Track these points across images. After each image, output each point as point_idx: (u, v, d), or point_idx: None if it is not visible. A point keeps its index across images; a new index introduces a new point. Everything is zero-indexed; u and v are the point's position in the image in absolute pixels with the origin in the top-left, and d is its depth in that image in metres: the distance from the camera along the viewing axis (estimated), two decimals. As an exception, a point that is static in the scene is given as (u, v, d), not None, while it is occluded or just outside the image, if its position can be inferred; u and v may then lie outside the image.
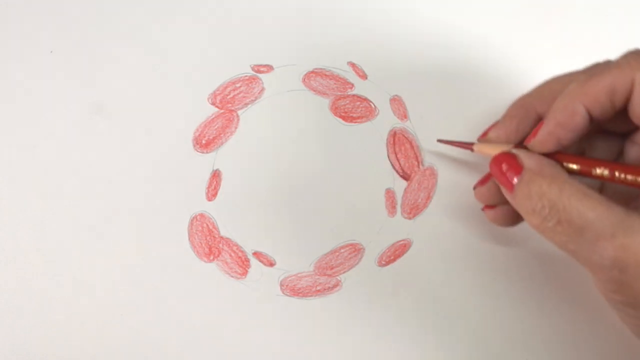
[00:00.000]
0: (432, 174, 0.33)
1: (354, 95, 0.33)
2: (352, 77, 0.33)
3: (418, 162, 0.33)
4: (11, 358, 0.30)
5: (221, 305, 0.31)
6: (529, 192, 0.24)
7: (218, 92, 0.33)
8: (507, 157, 0.26)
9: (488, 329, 0.31)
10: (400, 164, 0.33)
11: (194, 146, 0.32)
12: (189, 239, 0.31)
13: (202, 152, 0.32)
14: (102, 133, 0.32)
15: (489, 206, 0.29)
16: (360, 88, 0.33)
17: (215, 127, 0.32)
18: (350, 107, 0.33)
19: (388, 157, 0.33)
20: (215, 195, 0.32)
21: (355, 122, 0.33)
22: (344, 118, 0.33)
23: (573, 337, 0.31)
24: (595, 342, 0.31)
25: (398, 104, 0.33)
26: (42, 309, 0.30)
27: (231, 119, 0.32)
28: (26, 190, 0.31)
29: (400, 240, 0.32)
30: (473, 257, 0.32)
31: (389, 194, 0.32)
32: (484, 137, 0.30)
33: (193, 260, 0.31)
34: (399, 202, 0.32)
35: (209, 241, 0.31)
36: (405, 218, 0.32)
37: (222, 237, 0.31)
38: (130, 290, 0.30)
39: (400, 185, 0.32)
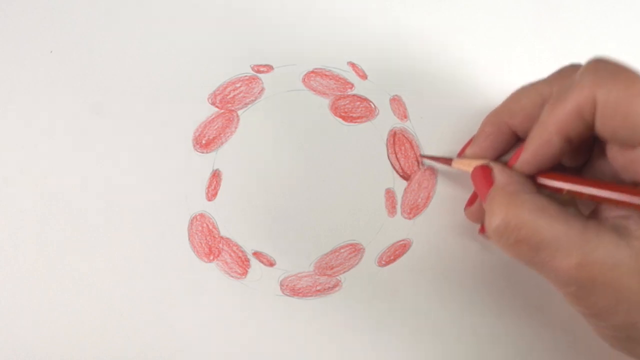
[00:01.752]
0: (432, 174, 0.33)
1: (354, 95, 0.33)
2: (352, 77, 0.33)
3: (418, 162, 0.33)
4: (11, 358, 0.30)
5: (221, 305, 0.31)
6: (491, 207, 0.24)
7: (218, 92, 0.33)
8: (482, 171, 0.26)
9: (488, 328, 0.31)
10: (400, 164, 0.33)
11: (194, 146, 0.32)
12: (189, 239, 0.31)
13: (202, 152, 0.32)
14: (102, 133, 0.32)
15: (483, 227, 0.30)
16: (360, 88, 0.33)
17: (215, 127, 0.32)
18: (350, 107, 0.33)
19: (388, 157, 0.33)
20: (215, 195, 0.32)
21: (355, 122, 0.33)
22: (344, 118, 0.33)
23: (573, 337, 0.31)
24: (595, 343, 0.31)
25: (398, 104, 0.33)
26: (42, 309, 0.30)
27: (231, 119, 0.32)
28: (26, 190, 0.31)
29: (400, 240, 0.32)
30: (473, 257, 0.32)
31: (389, 194, 0.32)
32: (461, 155, 0.30)
33: (193, 260, 0.31)
34: (399, 202, 0.32)
35: (209, 241, 0.31)
36: (405, 218, 0.32)
37: (222, 237, 0.31)
38: (130, 290, 0.30)
39: (400, 185, 0.32)
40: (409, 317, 0.31)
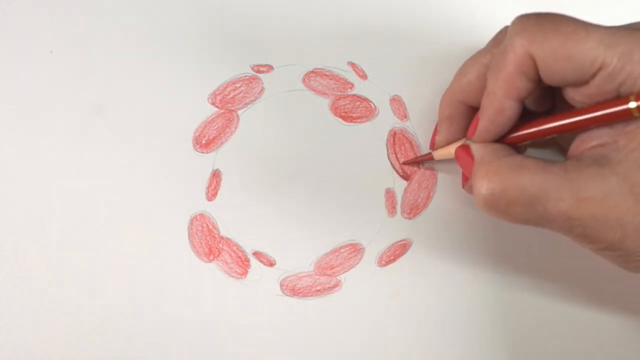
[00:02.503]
0: (432, 174, 0.33)
1: (354, 95, 0.33)
2: (352, 77, 0.33)
3: (418, 162, 0.33)
4: (11, 358, 0.30)
5: (221, 305, 0.31)
6: (475, 182, 0.24)
7: (218, 92, 0.33)
8: (462, 151, 0.27)
9: (488, 328, 0.31)
10: (400, 164, 0.33)
11: (194, 146, 0.32)
12: (189, 239, 0.31)
13: (202, 152, 0.32)
14: (102, 133, 0.32)
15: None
16: (360, 88, 0.33)
17: (215, 127, 0.32)
18: (350, 107, 0.33)
19: (388, 157, 0.33)
20: (215, 195, 0.32)
21: (355, 122, 0.33)
22: (344, 118, 0.33)
23: (575, 337, 0.31)
24: (594, 344, 0.31)
25: (398, 104, 0.33)
26: (42, 309, 0.30)
27: (231, 119, 0.32)
28: (26, 190, 0.31)
29: (400, 240, 0.32)
30: (473, 257, 0.32)
31: (389, 194, 0.32)
32: (433, 146, 0.31)
33: (193, 260, 0.31)
34: (399, 202, 0.32)
35: (209, 241, 0.31)
36: (405, 218, 0.32)
37: (222, 237, 0.31)
38: (130, 290, 0.30)
39: (400, 185, 0.32)
40: (409, 317, 0.31)
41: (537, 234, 0.32)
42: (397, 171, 0.32)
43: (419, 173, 0.33)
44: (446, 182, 0.32)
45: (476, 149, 0.26)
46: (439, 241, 0.32)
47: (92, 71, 0.33)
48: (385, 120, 0.33)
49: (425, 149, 0.33)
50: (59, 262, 0.30)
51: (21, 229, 0.31)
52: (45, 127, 0.32)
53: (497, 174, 0.23)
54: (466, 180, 0.30)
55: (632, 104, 0.21)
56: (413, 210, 0.32)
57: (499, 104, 0.24)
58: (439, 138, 0.30)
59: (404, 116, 0.33)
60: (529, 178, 0.23)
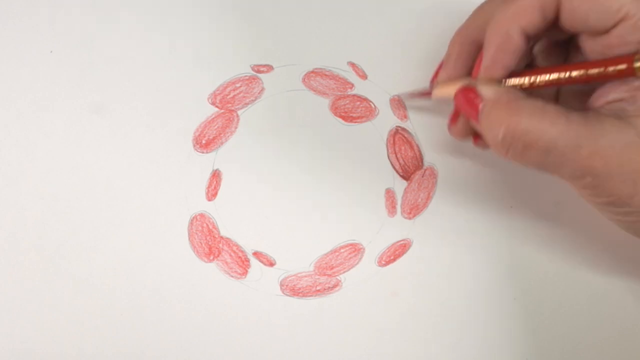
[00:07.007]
0: (432, 174, 0.33)
1: (354, 95, 0.33)
2: (352, 77, 0.33)
3: (418, 162, 0.33)
4: (11, 358, 0.30)
5: (221, 305, 0.31)
6: (490, 122, 0.24)
7: (218, 92, 0.33)
8: (467, 91, 0.26)
9: (488, 328, 0.31)
10: (400, 164, 0.33)
11: (194, 146, 0.32)
12: (189, 239, 0.31)
13: (202, 152, 0.32)
14: (102, 133, 0.32)
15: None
16: (360, 88, 0.33)
17: (215, 127, 0.32)
18: (350, 107, 0.33)
19: (388, 157, 0.33)
20: (215, 195, 0.32)
21: (355, 122, 0.33)
22: (344, 118, 0.33)
23: (574, 338, 0.31)
24: (595, 343, 0.31)
25: (398, 104, 0.33)
26: (42, 309, 0.30)
27: (231, 118, 0.32)
28: (26, 190, 0.31)
29: (400, 240, 0.32)
30: (473, 257, 0.32)
31: (389, 194, 0.32)
32: (434, 81, 0.30)
33: (193, 260, 0.31)
34: (399, 202, 0.32)
35: (209, 241, 0.31)
36: (405, 218, 0.32)
37: (222, 237, 0.31)
38: (130, 290, 0.30)
39: (400, 185, 0.32)
40: (409, 317, 0.31)
41: (538, 234, 0.32)
42: (397, 171, 0.32)
43: (419, 173, 0.33)
44: (446, 182, 0.32)
45: (487, 89, 0.25)
46: (439, 241, 0.32)
47: (92, 71, 0.33)
48: (385, 120, 0.33)
49: (425, 148, 0.33)
50: (59, 262, 0.30)
51: (21, 229, 0.31)
52: (45, 127, 0.32)
53: (518, 115, 0.23)
54: (454, 122, 0.29)
55: (638, 63, 0.21)
56: (413, 210, 0.32)
57: (507, 30, 0.24)
58: (442, 74, 0.29)
59: (404, 116, 0.33)
60: (549, 123, 0.22)
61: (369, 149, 0.33)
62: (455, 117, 0.29)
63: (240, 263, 0.31)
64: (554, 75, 0.24)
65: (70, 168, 0.32)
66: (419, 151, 0.33)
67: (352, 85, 0.33)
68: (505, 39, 0.24)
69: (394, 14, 0.35)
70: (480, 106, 0.25)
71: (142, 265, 0.31)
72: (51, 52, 0.33)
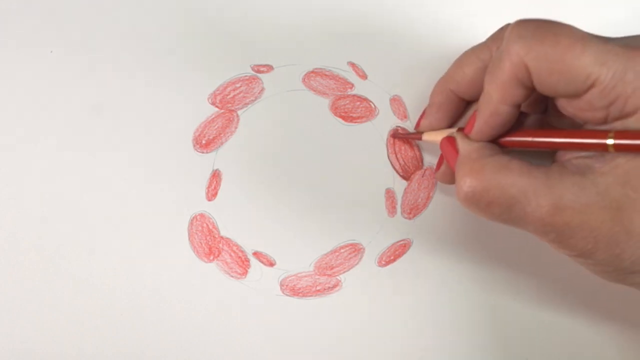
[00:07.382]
0: (432, 174, 0.33)
1: (354, 95, 0.33)
2: (352, 77, 0.33)
3: (418, 162, 0.33)
4: (11, 358, 0.30)
5: (221, 305, 0.31)
6: (458, 177, 0.24)
7: (218, 92, 0.33)
8: (448, 142, 0.27)
9: (488, 328, 0.31)
10: (400, 164, 0.33)
11: (194, 146, 0.32)
12: (189, 239, 0.31)
13: (202, 152, 0.32)
14: (102, 133, 0.32)
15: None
16: (360, 88, 0.33)
17: (215, 127, 0.32)
18: (350, 107, 0.33)
19: (388, 157, 0.33)
20: (215, 195, 0.32)
21: (355, 122, 0.33)
22: (344, 118, 0.33)
23: (573, 337, 0.31)
24: (594, 342, 0.31)
25: (398, 104, 0.33)
26: (42, 309, 0.30)
27: (231, 119, 0.32)
28: (26, 190, 0.31)
29: (400, 240, 0.32)
30: (473, 257, 0.32)
31: (389, 194, 0.32)
32: (417, 127, 0.31)
33: (193, 260, 0.31)
34: (399, 202, 0.32)
35: (209, 241, 0.31)
36: (405, 218, 0.32)
37: (222, 237, 0.31)
38: (130, 290, 0.30)
39: (400, 185, 0.32)
40: (409, 317, 0.31)
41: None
42: (397, 171, 0.32)
43: (419, 173, 0.33)
44: (446, 182, 0.32)
45: (462, 143, 0.26)
46: (439, 241, 0.32)
47: (92, 71, 0.33)
48: (385, 120, 0.33)
49: (425, 149, 0.33)
50: (59, 262, 0.30)
51: (21, 229, 0.31)
52: (45, 127, 0.32)
53: (480, 173, 0.24)
54: (438, 167, 0.31)
55: (610, 141, 0.22)
56: (413, 210, 0.32)
57: (495, 107, 0.25)
58: (424, 122, 0.30)
59: (404, 116, 0.33)
60: (511, 181, 0.23)
61: (369, 149, 0.33)
62: (439, 163, 0.31)
63: (240, 263, 0.31)
64: (540, 140, 0.25)
65: (70, 168, 0.32)
66: (419, 151, 0.33)
67: (352, 85, 0.33)
68: (495, 113, 0.25)
69: (394, 14, 0.35)
70: (457, 159, 0.26)
71: (142, 265, 0.31)
72: (51, 52, 0.33)
